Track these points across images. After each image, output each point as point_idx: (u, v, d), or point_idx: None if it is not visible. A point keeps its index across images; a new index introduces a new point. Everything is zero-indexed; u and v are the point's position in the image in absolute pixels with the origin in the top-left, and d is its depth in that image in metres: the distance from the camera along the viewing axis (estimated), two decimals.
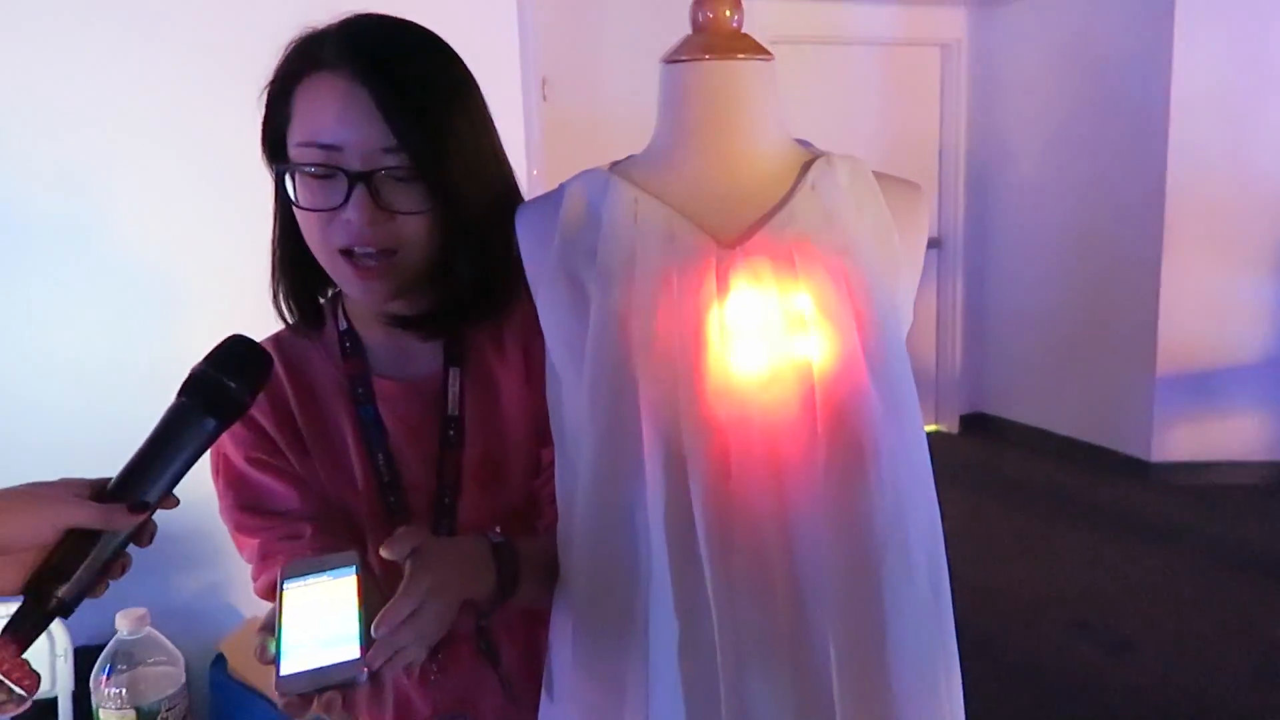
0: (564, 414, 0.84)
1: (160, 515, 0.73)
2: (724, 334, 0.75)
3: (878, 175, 0.83)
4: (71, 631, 1.55)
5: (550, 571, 0.87)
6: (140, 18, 2.04)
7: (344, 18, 0.87)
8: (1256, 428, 4.36)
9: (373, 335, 0.96)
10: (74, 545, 0.68)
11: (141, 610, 0.95)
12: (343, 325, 0.97)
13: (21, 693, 0.65)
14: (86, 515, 0.68)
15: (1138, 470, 4.45)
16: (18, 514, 0.67)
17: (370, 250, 0.84)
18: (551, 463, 0.89)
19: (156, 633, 0.96)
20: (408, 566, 0.71)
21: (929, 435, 0.87)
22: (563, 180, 0.85)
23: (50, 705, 1.54)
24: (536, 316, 0.85)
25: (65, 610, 0.69)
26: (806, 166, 0.81)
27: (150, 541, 0.73)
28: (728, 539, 0.75)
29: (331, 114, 0.82)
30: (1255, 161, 4.21)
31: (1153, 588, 3.39)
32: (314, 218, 0.85)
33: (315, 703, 0.63)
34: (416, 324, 0.92)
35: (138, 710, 0.92)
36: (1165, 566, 3.56)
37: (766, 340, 0.76)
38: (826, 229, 0.78)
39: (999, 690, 2.72)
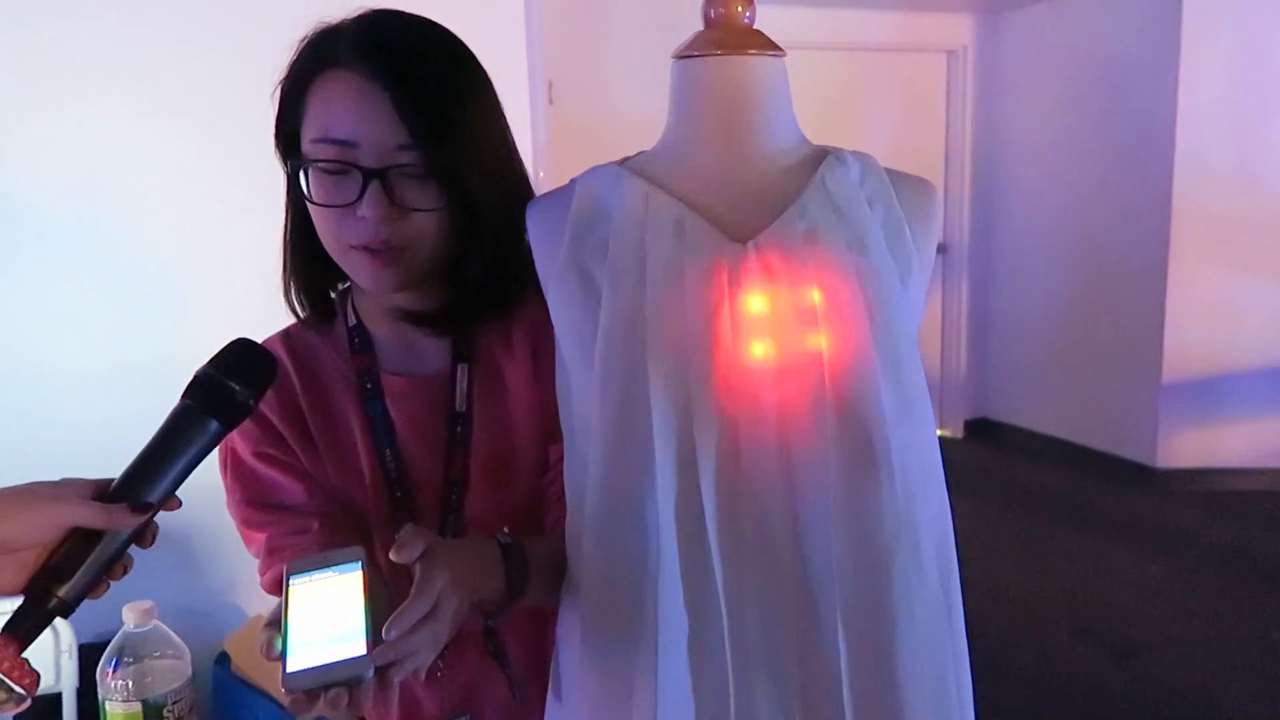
0: (574, 409, 0.84)
1: (163, 512, 0.73)
2: (735, 329, 0.75)
3: (890, 172, 0.83)
4: (78, 626, 1.55)
5: (558, 571, 0.87)
6: (149, 15, 2.04)
7: (359, 13, 0.88)
8: (1262, 434, 4.35)
9: (382, 331, 0.96)
10: (76, 545, 0.68)
11: (148, 603, 0.95)
12: (352, 321, 0.97)
13: (21, 692, 0.65)
14: (89, 515, 0.68)
15: (1143, 476, 4.44)
16: (20, 513, 0.67)
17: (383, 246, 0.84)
18: (559, 460, 0.88)
19: (163, 626, 0.96)
20: (418, 569, 0.70)
21: None
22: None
23: (54, 701, 1.54)
24: (545, 313, 0.85)
25: (66, 610, 0.69)
26: (818, 162, 0.82)
27: (152, 543, 0.73)
28: (738, 534, 0.75)
29: (347, 111, 0.82)
30: (1261, 168, 4.21)
31: (1158, 594, 3.38)
32: (328, 213, 0.85)
33: (321, 700, 0.63)
34: (427, 320, 0.92)
35: (144, 703, 0.91)
36: (1170, 573, 3.54)
37: (777, 335, 0.76)
38: (838, 225, 0.78)
39: (1002, 696, 2.71)
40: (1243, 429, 4.36)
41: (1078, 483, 4.59)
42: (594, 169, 0.83)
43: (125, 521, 0.69)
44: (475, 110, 0.87)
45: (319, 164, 0.84)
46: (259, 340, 0.83)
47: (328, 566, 0.70)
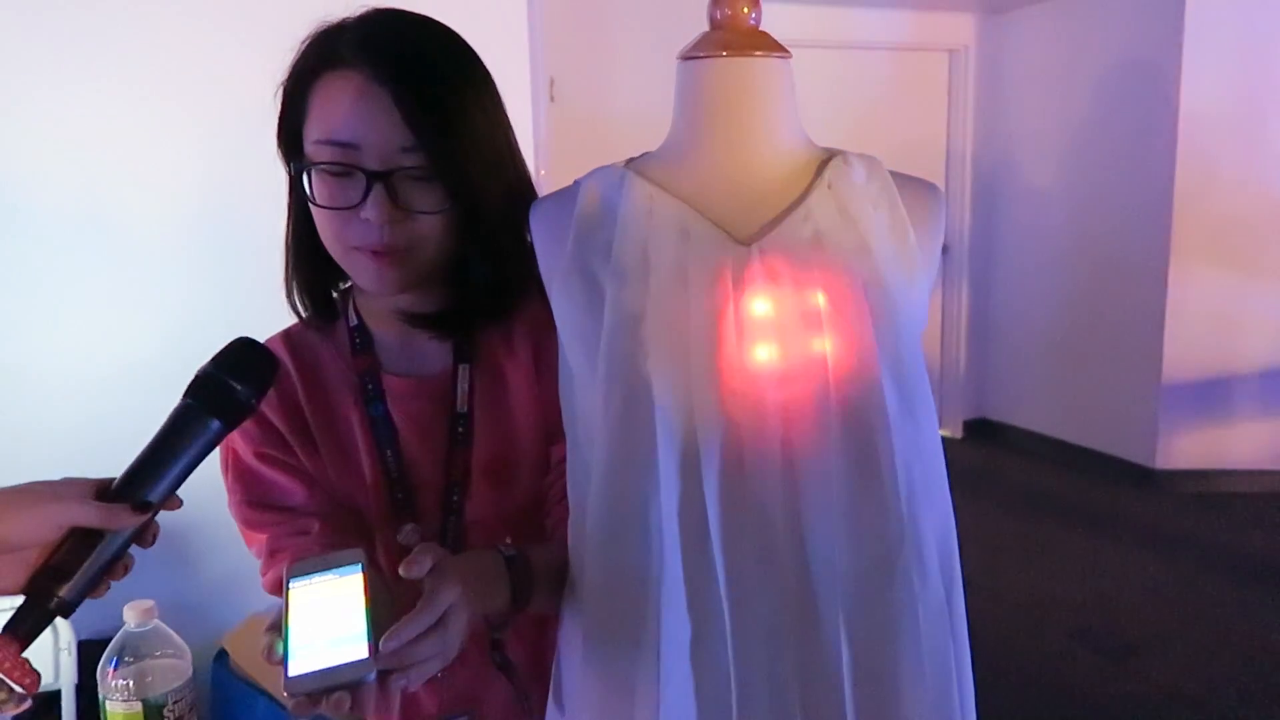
0: (577, 410, 0.84)
1: (163, 511, 0.73)
2: (739, 332, 0.75)
3: (894, 175, 0.83)
4: (78, 624, 1.55)
5: (562, 579, 0.86)
6: (150, 15, 2.03)
7: (361, 13, 0.87)
8: (1262, 436, 4.35)
9: (383, 332, 0.96)
10: (76, 544, 0.68)
11: (149, 603, 0.95)
12: (353, 321, 0.96)
13: (21, 691, 0.65)
14: (90, 515, 0.68)
15: (1142, 477, 4.44)
16: (21, 512, 0.67)
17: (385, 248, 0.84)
18: (561, 460, 0.88)
19: (164, 625, 0.96)
20: (426, 583, 0.69)
21: None
22: (570, 180, 0.84)
23: (53, 698, 1.54)
24: (546, 313, 0.85)
25: (66, 609, 0.68)
26: (823, 165, 0.81)
27: (153, 542, 0.73)
28: (741, 537, 0.75)
29: (349, 112, 0.82)
30: (1263, 169, 4.20)
31: (1156, 595, 3.38)
32: (331, 215, 0.85)
33: (323, 702, 0.63)
34: (429, 322, 0.92)
35: (144, 703, 0.91)
36: (1169, 574, 3.54)
37: (781, 337, 0.76)
38: (843, 227, 0.78)
39: (1001, 697, 2.71)
40: (1243, 431, 4.36)
41: (1077, 483, 4.59)
42: (598, 170, 0.83)
43: (126, 521, 0.69)
44: (478, 111, 0.86)
45: (322, 166, 0.83)
46: (260, 340, 0.82)
47: (328, 569, 0.70)
